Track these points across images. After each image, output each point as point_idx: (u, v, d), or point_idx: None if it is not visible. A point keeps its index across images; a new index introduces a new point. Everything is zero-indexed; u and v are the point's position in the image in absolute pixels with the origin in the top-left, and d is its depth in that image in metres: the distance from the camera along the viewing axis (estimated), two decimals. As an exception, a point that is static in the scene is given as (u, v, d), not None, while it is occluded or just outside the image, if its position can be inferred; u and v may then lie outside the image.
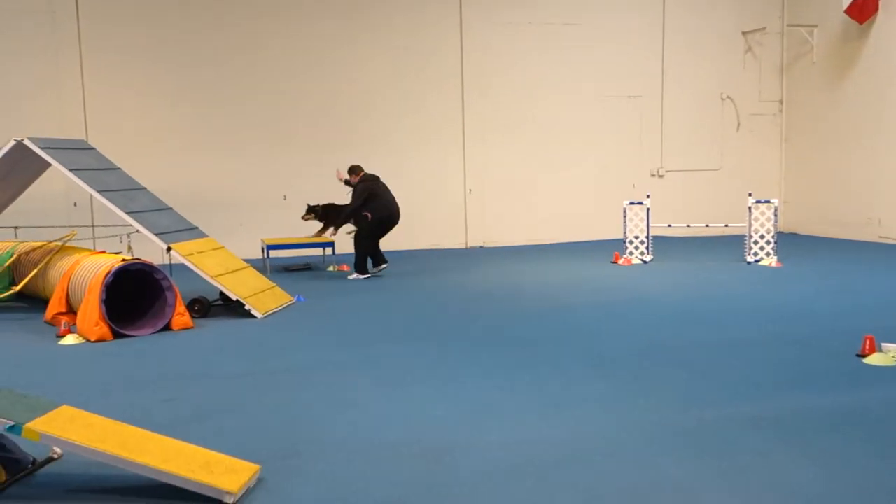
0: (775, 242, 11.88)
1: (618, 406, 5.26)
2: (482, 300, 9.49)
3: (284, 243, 12.35)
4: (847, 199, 15.36)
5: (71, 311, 8.36)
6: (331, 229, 12.10)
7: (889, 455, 4.30)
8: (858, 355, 6.33)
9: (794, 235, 16.17)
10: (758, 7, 16.50)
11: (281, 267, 12.61)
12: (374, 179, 11.41)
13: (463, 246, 15.33)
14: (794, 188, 16.86)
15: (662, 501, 3.79)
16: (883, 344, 6.36)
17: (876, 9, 14.41)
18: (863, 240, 14.76)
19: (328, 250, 12.46)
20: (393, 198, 11.42)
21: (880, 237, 14.50)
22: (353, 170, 11.55)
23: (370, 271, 11.42)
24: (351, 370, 6.35)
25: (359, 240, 11.34)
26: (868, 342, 6.35)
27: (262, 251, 12.40)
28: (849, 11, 14.67)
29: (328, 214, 12.26)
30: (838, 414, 4.99)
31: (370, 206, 11.20)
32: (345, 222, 11.36)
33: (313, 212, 12.38)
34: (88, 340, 7.58)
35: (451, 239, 15.27)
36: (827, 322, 7.72)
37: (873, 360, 6.17)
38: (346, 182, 11.59)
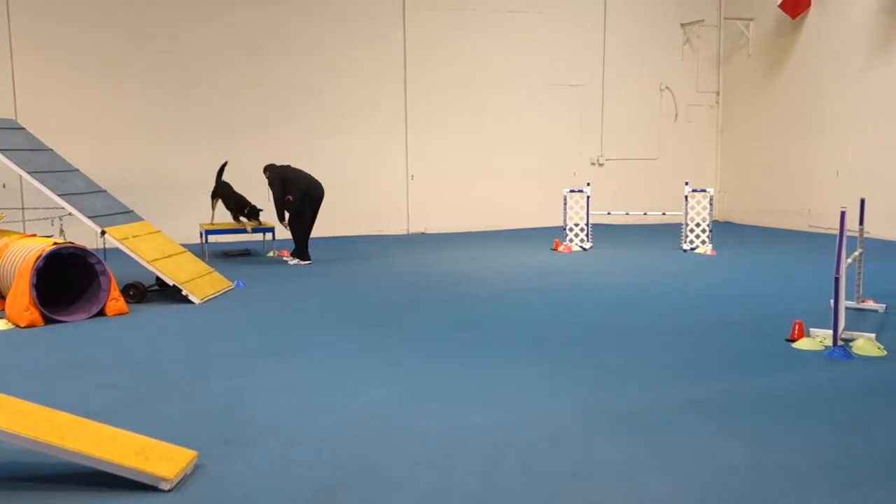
0: (710, 231, 12.16)
1: (557, 389, 5.33)
2: (423, 286, 9.51)
3: (223, 228, 12.15)
4: (779, 190, 15.81)
5: (0, 296, 8.10)
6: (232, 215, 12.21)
7: (816, 435, 4.46)
8: (788, 340, 6.54)
9: (728, 224, 16.57)
10: (696, -1, 16.83)
11: (220, 252, 12.42)
12: (284, 167, 11.45)
13: (405, 232, 15.31)
14: (730, 178, 17.27)
15: (600, 481, 3.86)
16: (811, 329, 6.58)
17: (808, 4, 14.82)
18: (794, 229, 15.23)
19: (268, 235, 12.31)
20: (308, 175, 11.39)
21: (810, 226, 14.97)
22: (267, 168, 11.58)
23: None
24: (290, 355, 6.30)
25: (293, 223, 11.30)
26: (797, 327, 6.56)
27: (201, 236, 12.19)
28: (783, 6, 15.05)
29: (228, 201, 12.15)
30: (768, 396, 5.14)
31: (288, 190, 11.19)
32: (282, 212, 11.26)
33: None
34: (18, 326, 7.36)
35: (392, 225, 15.24)
36: (758, 308, 7.94)
37: (802, 344, 6.37)
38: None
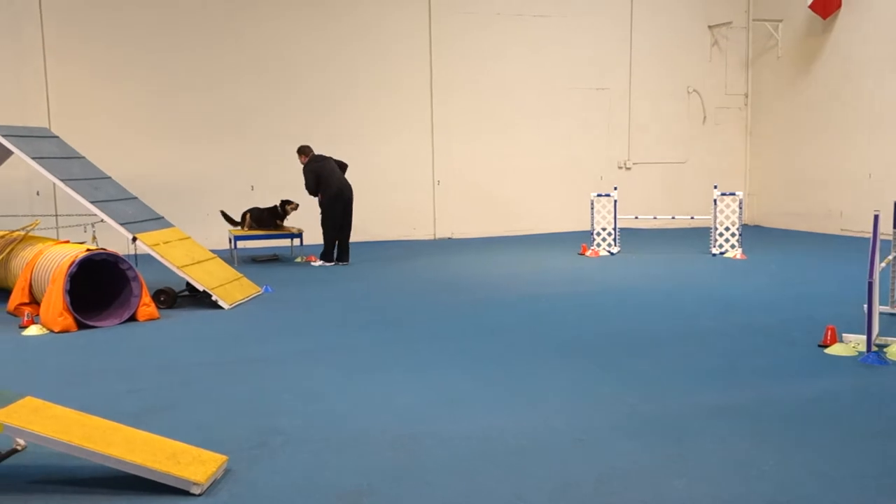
0: (740, 235, 12.04)
1: (583, 394, 5.31)
2: (450, 290, 9.51)
3: (252, 234, 12.26)
4: (810, 193, 15.61)
5: (34, 301, 8.23)
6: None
7: (849, 442, 4.39)
8: (820, 345, 6.45)
9: (758, 228, 16.40)
10: (724, 1, 16.68)
11: (248, 258, 12.52)
12: (321, 160, 11.53)
13: (431, 237, 15.34)
14: (759, 181, 17.09)
15: (627, 488, 3.84)
16: (844, 334, 6.48)
17: (839, 4, 14.63)
18: (825, 232, 15.02)
19: (296, 241, 12.41)
20: (340, 175, 11.54)
21: (842, 230, 14.76)
22: (302, 150, 11.67)
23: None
24: (318, 359, 6.34)
25: (322, 222, 11.50)
26: (830, 332, 6.46)
27: (230, 242, 12.31)
28: (813, 7, 14.88)
29: (260, 217, 12.28)
30: (800, 403, 5.08)
31: (321, 188, 11.37)
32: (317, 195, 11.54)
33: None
34: (52, 331, 7.47)
35: (419, 230, 15.27)
36: (790, 313, 7.84)
37: (835, 350, 6.28)
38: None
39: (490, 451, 4.33)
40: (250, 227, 12.24)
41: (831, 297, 8.58)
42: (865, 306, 6.14)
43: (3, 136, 8.72)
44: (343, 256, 11.63)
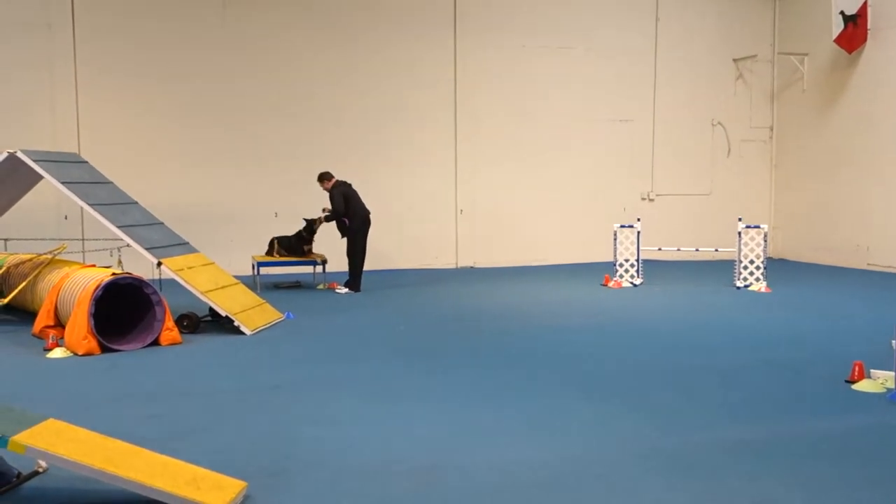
0: (765, 268, 11.92)
1: (605, 428, 5.25)
2: (471, 320, 9.48)
3: (275, 260, 12.33)
4: (836, 226, 15.46)
5: (59, 324, 8.31)
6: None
7: (877, 480, 4.31)
8: (848, 381, 6.35)
9: (783, 261, 16.24)
10: (749, 35, 16.68)
11: (271, 284, 12.58)
12: (347, 185, 11.76)
13: (453, 266, 15.33)
14: (784, 214, 16.96)
15: (651, 524, 3.78)
16: (872, 370, 6.38)
17: (864, 39, 14.59)
18: (851, 266, 14.84)
19: (318, 268, 12.45)
20: (363, 203, 11.81)
21: (869, 264, 14.58)
22: (325, 176, 11.86)
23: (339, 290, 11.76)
24: (339, 388, 6.33)
25: (351, 250, 11.59)
26: (857, 368, 6.36)
27: (253, 268, 12.39)
28: (838, 41, 14.84)
29: (288, 244, 12.37)
30: (827, 439, 4.99)
31: (349, 212, 11.54)
32: (341, 227, 11.60)
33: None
34: (76, 354, 7.52)
35: (441, 259, 15.27)
36: (816, 348, 7.74)
37: (863, 386, 6.18)
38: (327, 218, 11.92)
39: (510, 483, 4.29)
40: (279, 254, 12.34)
41: (858, 333, 8.46)
42: (894, 342, 6.05)
43: (34, 160, 8.87)
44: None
